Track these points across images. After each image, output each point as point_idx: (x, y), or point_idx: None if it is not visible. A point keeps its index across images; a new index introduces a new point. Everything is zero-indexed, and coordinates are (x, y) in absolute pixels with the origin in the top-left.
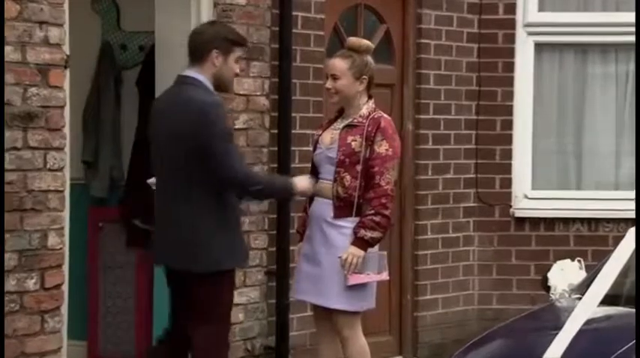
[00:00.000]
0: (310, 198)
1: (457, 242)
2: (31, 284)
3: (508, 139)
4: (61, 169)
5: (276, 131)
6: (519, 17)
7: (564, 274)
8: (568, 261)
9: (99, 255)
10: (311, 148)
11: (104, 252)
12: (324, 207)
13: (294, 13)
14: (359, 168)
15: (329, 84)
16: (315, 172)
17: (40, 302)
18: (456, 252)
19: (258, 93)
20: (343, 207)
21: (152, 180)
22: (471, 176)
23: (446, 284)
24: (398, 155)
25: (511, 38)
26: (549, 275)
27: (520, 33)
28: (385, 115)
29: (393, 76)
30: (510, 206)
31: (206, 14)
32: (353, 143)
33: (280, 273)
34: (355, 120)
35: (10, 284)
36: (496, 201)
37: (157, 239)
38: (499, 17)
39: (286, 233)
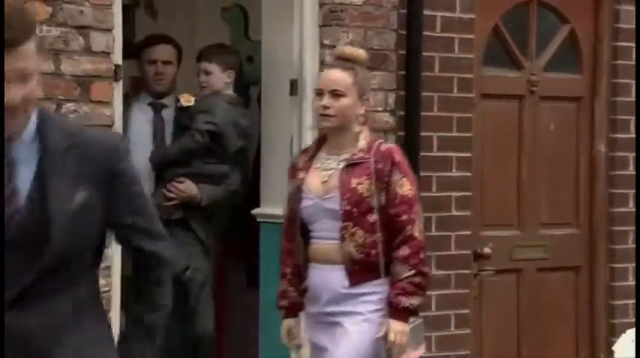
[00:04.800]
0: (296, 269)
1: None
2: None
3: None
4: None
5: None
6: None
7: (635, 347)
8: None
9: (224, 295)
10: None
11: (228, 292)
12: (330, 276)
13: (432, 13)
14: (372, 218)
15: (327, 101)
16: (300, 231)
17: None
18: None
19: (379, 109)
20: (361, 271)
21: (257, 211)
22: None
23: None
24: (417, 193)
25: None
26: (615, 348)
27: None
28: (390, 144)
29: (581, 87)
30: None
31: (310, 16)
32: (359, 187)
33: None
34: (356, 157)
35: None
36: None
37: None
38: None
39: None
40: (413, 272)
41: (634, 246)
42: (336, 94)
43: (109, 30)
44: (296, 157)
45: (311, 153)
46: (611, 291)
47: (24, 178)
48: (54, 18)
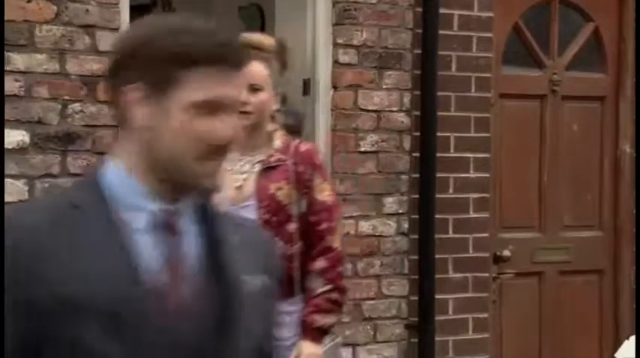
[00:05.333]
0: None
1: None
2: None
3: None
4: None
5: (418, 154)
6: None
7: (635, 349)
8: None
9: None
10: None
11: None
12: None
13: (449, 12)
14: (292, 227)
15: (246, 96)
16: None
17: None
18: None
19: (394, 109)
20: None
21: None
22: None
23: None
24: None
25: None
26: (617, 355)
27: None
28: (308, 144)
29: (605, 87)
30: None
31: (323, 15)
32: (278, 193)
33: (424, 327)
34: (272, 159)
35: None
36: None
37: None
38: None
39: (431, 277)
40: (329, 287)
41: None
42: (254, 89)
43: (116, 29)
44: None
45: None
46: (636, 295)
47: (188, 248)
48: (59, 17)
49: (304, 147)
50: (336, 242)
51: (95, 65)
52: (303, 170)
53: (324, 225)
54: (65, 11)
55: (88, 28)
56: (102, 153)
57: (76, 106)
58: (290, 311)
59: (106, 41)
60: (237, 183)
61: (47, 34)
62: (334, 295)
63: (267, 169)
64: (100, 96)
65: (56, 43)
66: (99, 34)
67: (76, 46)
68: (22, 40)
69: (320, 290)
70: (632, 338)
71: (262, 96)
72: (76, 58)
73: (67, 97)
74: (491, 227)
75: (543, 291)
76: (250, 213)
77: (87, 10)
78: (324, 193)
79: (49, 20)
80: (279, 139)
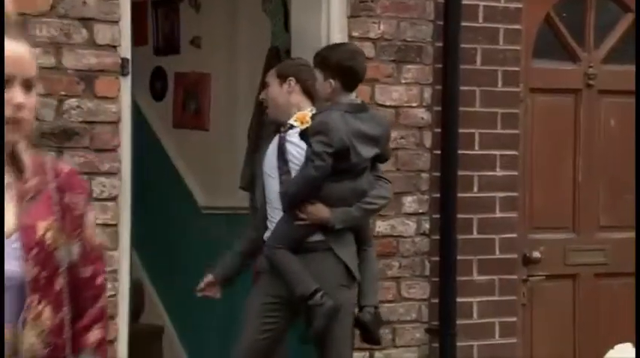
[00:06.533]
0: None
1: None
2: None
3: None
4: (113, 198)
5: (439, 152)
6: None
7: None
8: (629, 345)
9: None
10: None
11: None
12: None
13: (473, 3)
14: (59, 284)
15: (23, 97)
16: None
17: None
18: None
19: (413, 104)
20: None
21: None
22: None
23: None
24: None
25: None
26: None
27: None
28: (65, 163)
29: None
30: None
31: (338, 7)
32: (48, 235)
33: (445, 331)
34: (31, 184)
35: None
36: None
37: None
38: None
39: (452, 279)
40: None
41: None
42: (28, 85)
43: (115, 22)
44: None
45: None
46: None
47: None
48: (55, 9)
49: (65, 167)
50: (105, 300)
51: (93, 59)
52: (72, 200)
53: (100, 279)
54: (61, 3)
55: (86, 21)
56: (100, 150)
57: (73, 102)
58: None
59: (104, 35)
60: None
61: (43, 28)
62: None
63: (31, 200)
64: (97, 92)
65: (52, 37)
66: (97, 27)
67: (73, 39)
68: None
69: None
70: (621, 347)
71: (34, 95)
72: (73, 52)
73: (63, 93)
74: (521, 227)
75: (578, 294)
76: (8, 263)
77: (84, 3)
78: (94, 233)
79: (45, 13)
80: (25, 153)
